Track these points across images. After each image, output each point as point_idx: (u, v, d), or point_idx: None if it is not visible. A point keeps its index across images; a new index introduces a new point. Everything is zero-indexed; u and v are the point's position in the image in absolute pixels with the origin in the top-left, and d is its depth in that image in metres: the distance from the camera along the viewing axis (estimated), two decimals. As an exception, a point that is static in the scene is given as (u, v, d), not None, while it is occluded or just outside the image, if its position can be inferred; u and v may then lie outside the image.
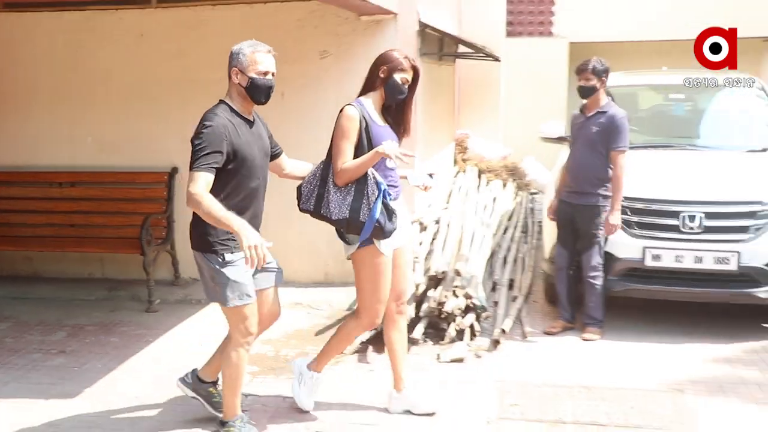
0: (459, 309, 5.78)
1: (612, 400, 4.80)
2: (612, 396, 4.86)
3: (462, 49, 10.66)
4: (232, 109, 4.02)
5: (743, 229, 5.75)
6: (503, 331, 5.84)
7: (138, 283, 7.02)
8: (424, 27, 7.97)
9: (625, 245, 5.92)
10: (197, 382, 4.53)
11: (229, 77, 4.04)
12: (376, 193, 4.13)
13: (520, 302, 6.57)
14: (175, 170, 7.31)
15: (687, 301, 6.16)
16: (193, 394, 4.55)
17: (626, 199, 5.93)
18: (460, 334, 5.75)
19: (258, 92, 4.00)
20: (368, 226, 4.12)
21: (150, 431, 4.47)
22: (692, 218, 5.78)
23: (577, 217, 5.93)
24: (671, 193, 5.96)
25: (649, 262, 5.85)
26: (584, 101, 6.01)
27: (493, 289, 6.92)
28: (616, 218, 5.75)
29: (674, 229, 5.83)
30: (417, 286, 5.90)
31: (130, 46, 7.40)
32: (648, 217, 5.95)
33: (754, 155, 6.65)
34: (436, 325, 5.86)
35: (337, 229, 4.33)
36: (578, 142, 5.97)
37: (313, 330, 6.11)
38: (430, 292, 5.96)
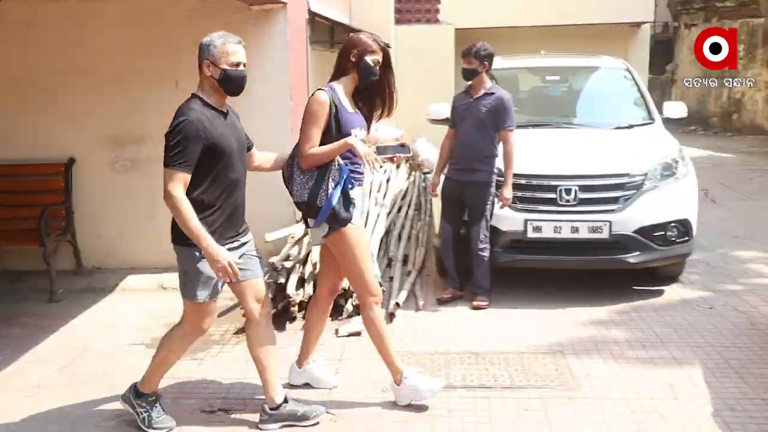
0: (355, 285, 5.84)
1: (499, 364, 4.96)
2: (499, 360, 5.02)
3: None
4: (205, 103, 3.85)
5: (614, 200, 5.99)
6: (397, 304, 5.95)
7: (40, 275, 6.82)
8: (314, 16, 7.97)
9: (508, 219, 6.09)
10: (273, 412, 4.21)
11: (201, 70, 3.87)
12: (337, 179, 4.06)
13: (414, 276, 6.68)
14: (72, 161, 7.11)
15: (566, 269, 6.42)
16: (279, 425, 4.22)
17: (509, 175, 6.09)
18: (357, 308, 5.81)
19: (231, 84, 3.86)
20: (323, 212, 4.06)
21: (55, 419, 4.38)
22: (568, 192, 5.99)
23: (466, 194, 6.07)
24: (549, 169, 6.16)
25: (531, 234, 6.04)
26: (469, 83, 6.14)
27: (389, 265, 7.00)
28: (509, 192, 5.92)
29: (552, 202, 6.03)
30: (314, 265, 5.93)
31: (20, 37, 7.14)
32: (529, 192, 6.13)
33: (621, 132, 6.94)
34: (334, 302, 5.90)
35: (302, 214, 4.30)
36: (466, 123, 6.09)
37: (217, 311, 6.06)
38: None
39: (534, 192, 6.12)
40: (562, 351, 5.17)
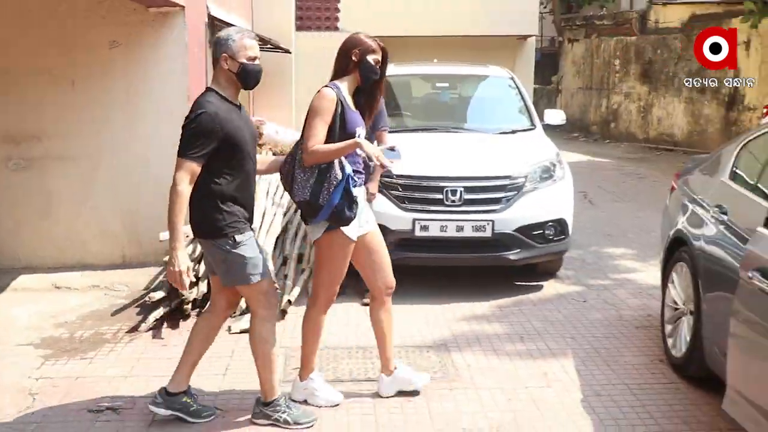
0: (249, 283, 5.71)
1: (386, 357, 4.93)
2: (386, 353, 4.99)
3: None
4: (221, 96, 3.77)
5: (496, 201, 6.06)
6: (289, 301, 5.84)
7: None
8: (213, 20, 7.78)
9: (397, 218, 6.08)
10: (169, 397, 4.04)
11: (216, 63, 3.78)
12: (340, 177, 3.85)
13: (307, 274, 6.58)
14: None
15: (452, 266, 6.45)
16: (170, 412, 4.02)
17: (398, 176, 6.10)
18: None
19: (249, 77, 3.79)
20: (325, 210, 3.84)
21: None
22: (454, 192, 6.02)
23: None
24: (436, 171, 6.17)
25: (419, 233, 6.04)
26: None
27: (284, 263, 6.89)
28: (374, 187, 5.87)
29: (439, 202, 6.05)
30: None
31: None
32: (417, 193, 6.13)
33: (505, 137, 7.04)
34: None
35: (300, 212, 4.08)
36: None
37: (111, 311, 5.83)
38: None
39: (422, 193, 6.12)
40: (446, 344, 5.18)
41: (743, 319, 3.42)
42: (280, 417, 3.99)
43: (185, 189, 3.61)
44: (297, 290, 6.07)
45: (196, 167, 3.64)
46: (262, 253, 3.93)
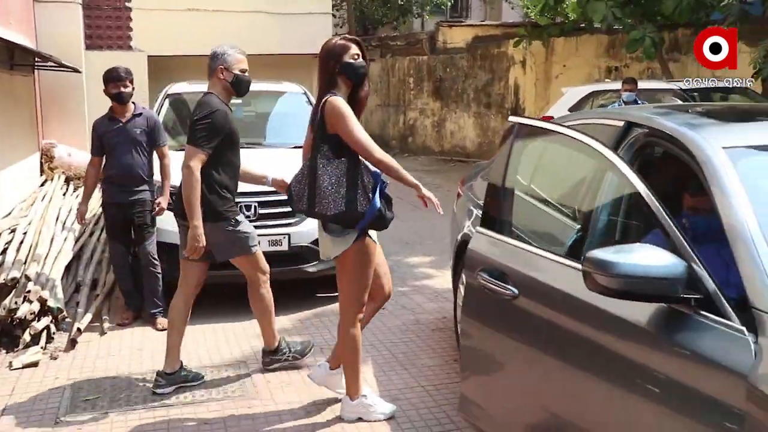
0: (32, 313, 5.22)
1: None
2: (182, 376, 4.72)
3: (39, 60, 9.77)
4: (221, 100, 4.34)
5: (291, 215, 5.93)
6: (79, 330, 5.40)
7: None
8: (-15, 36, 7.13)
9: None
10: (169, 377, 4.50)
11: (213, 74, 4.36)
12: (373, 182, 3.76)
13: (100, 300, 6.15)
14: None
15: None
16: (173, 387, 4.49)
17: (188, 194, 5.85)
18: (36, 338, 5.21)
19: (242, 86, 4.43)
20: (369, 215, 3.71)
21: None
22: (248, 207, 5.84)
23: (132, 214, 5.69)
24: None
25: (215, 250, 5.80)
26: (114, 108, 5.76)
27: (77, 290, 6.40)
28: (165, 201, 5.68)
29: (234, 218, 5.85)
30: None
31: None
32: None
33: (300, 150, 6.88)
34: (10, 333, 5.24)
35: (324, 227, 3.84)
36: (122, 146, 5.69)
37: None
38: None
39: (216, 209, 5.89)
40: (246, 362, 4.99)
41: (471, 320, 3.30)
42: (290, 356, 4.77)
43: (197, 172, 4.14)
44: (88, 317, 5.66)
45: (205, 157, 4.19)
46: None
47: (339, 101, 3.78)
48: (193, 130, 4.20)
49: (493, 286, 3.02)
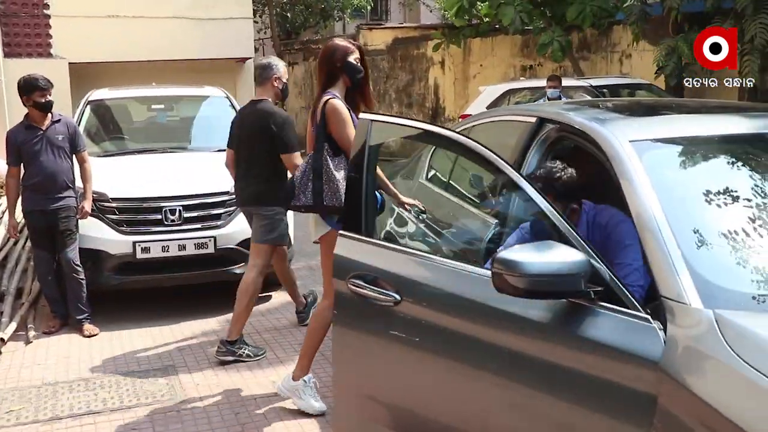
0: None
1: (110, 387, 4.50)
2: (110, 383, 4.55)
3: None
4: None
5: (216, 217, 5.81)
6: (2, 340, 5.15)
7: None
8: None
9: (116, 242, 5.64)
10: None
11: (266, 82, 4.84)
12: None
13: (26, 309, 5.88)
14: None
15: (179, 285, 6.07)
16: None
17: (114, 200, 5.71)
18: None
19: (287, 93, 4.98)
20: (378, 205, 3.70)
21: None
22: (173, 212, 5.69)
23: (56, 221, 5.44)
24: (154, 192, 5.80)
25: (140, 255, 5.63)
26: (33, 116, 5.50)
27: (2, 299, 6.10)
28: (89, 205, 5.49)
29: (159, 223, 5.69)
30: None
31: None
32: (136, 215, 5.73)
33: (223, 154, 6.74)
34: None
35: (324, 219, 3.92)
36: (44, 154, 5.44)
37: None
38: None
39: (140, 214, 5.73)
40: (174, 365, 4.84)
41: (345, 330, 2.92)
42: (243, 353, 4.82)
43: None
44: (13, 326, 5.43)
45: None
46: None
47: (339, 104, 3.87)
48: (287, 136, 4.67)
49: (369, 293, 2.72)
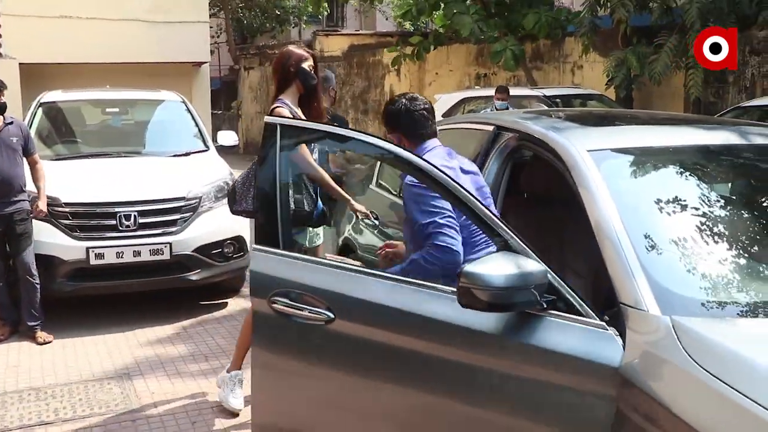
0: None
1: (62, 396, 4.37)
2: (62, 393, 4.43)
3: None
4: None
5: (173, 223, 5.71)
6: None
7: None
8: None
9: (69, 248, 5.49)
10: None
11: (324, 91, 4.93)
12: (314, 186, 3.98)
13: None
14: None
15: (133, 291, 5.96)
16: None
17: (67, 205, 5.57)
18: None
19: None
20: (316, 214, 4.00)
21: None
22: (128, 217, 5.57)
23: (12, 224, 5.28)
24: (108, 196, 5.68)
25: (94, 261, 5.49)
26: None
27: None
28: (43, 204, 5.34)
29: (113, 228, 5.56)
30: None
31: None
32: (89, 220, 5.59)
33: (179, 159, 6.66)
34: None
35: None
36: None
37: None
38: None
39: (94, 220, 5.60)
40: (128, 373, 4.73)
41: (266, 353, 2.65)
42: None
43: None
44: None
45: None
46: None
47: (285, 113, 3.86)
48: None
49: (297, 311, 2.49)
